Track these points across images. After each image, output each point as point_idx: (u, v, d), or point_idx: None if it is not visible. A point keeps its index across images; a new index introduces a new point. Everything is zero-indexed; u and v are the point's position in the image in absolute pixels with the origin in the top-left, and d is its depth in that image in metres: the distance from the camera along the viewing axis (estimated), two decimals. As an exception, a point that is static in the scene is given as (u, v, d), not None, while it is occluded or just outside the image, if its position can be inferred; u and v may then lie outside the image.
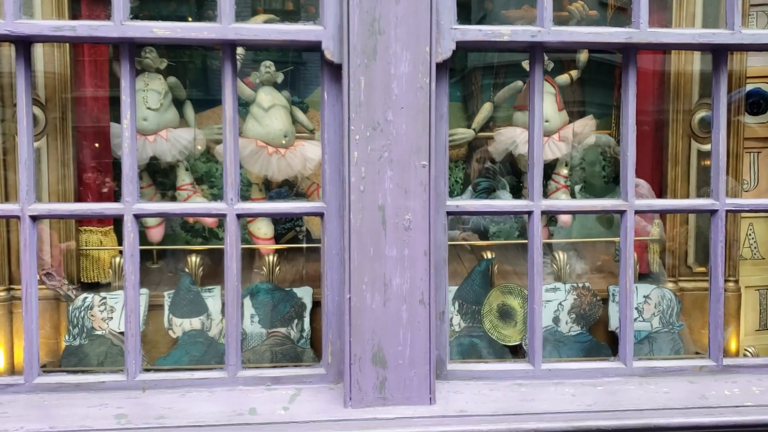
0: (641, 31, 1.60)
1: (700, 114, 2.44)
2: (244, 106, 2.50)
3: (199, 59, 2.83)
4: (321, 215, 1.61)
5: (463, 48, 1.59)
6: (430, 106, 1.52)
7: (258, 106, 2.47)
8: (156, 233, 2.56)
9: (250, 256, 2.58)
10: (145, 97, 2.42)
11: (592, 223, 2.72)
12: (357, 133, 1.51)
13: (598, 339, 2.42)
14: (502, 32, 1.56)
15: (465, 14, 2.96)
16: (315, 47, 1.54)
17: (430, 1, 1.49)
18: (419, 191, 1.53)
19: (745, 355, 2.48)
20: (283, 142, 2.46)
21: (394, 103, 1.51)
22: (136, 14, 1.58)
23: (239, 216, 1.61)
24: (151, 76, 2.47)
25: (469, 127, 2.74)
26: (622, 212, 1.68)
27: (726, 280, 2.46)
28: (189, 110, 2.57)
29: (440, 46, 1.54)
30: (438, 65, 1.53)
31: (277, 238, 2.71)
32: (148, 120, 2.42)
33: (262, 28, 1.55)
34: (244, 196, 2.62)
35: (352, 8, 1.48)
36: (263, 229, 2.61)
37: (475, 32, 1.55)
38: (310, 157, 2.47)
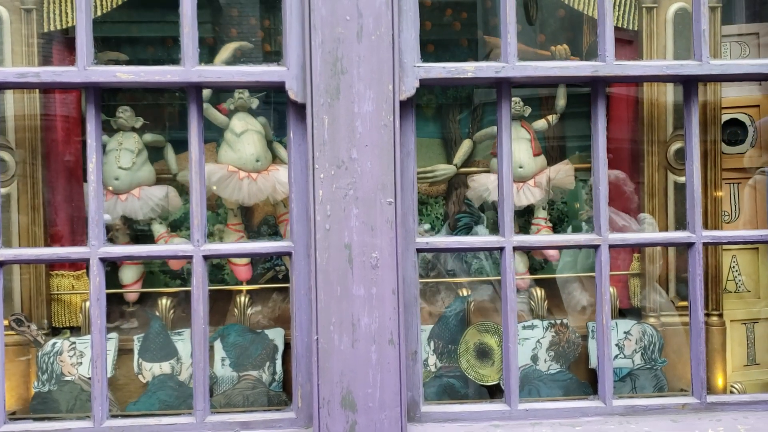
0: (607, 64, 1.60)
1: (676, 145, 2.42)
2: (219, 133, 2.49)
3: (177, 100, 2.83)
4: (289, 254, 1.59)
5: (427, 85, 1.59)
6: (395, 143, 1.51)
7: (231, 131, 2.45)
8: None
9: (226, 295, 2.55)
10: (118, 156, 2.41)
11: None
12: (321, 172, 1.50)
13: (579, 377, 2.36)
14: (466, 69, 1.56)
15: (473, 51, 2.98)
16: (279, 87, 1.54)
17: (393, 41, 1.50)
18: (386, 229, 1.51)
19: (731, 392, 2.42)
20: (256, 166, 2.43)
21: (358, 141, 1.50)
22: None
23: (206, 258, 1.59)
24: (125, 135, 2.45)
25: (449, 162, 2.73)
26: (596, 246, 1.66)
27: (709, 314, 2.43)
28: (170, 153, 2.55)
29: (404, 84, 1.54)
30: (402, 103, 1.53)
31: (257, 278, 2.67)
32: (120, 179, 2.40)
33: (225, 71, 1.56)
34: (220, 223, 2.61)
35: (314, 48, 1.49)
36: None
37: (439, 69, 1.56)
38: (283, 181, 2.42)
